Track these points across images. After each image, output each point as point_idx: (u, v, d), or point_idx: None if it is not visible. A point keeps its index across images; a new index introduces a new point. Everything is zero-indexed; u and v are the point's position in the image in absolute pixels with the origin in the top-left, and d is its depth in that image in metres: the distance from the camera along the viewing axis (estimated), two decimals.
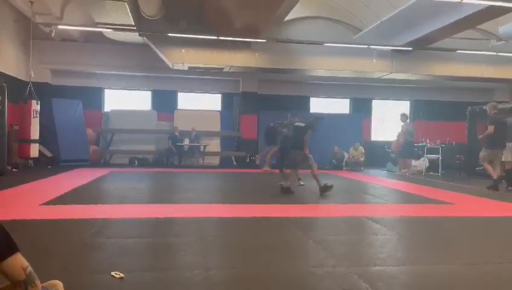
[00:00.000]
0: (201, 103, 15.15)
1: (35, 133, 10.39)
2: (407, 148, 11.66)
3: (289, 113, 9.13)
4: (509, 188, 8.56)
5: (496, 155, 8.45)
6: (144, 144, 13.66)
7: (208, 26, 11.47)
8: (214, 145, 13.94)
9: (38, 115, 10.45)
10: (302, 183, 8.45)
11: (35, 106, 10.32)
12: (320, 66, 13.01)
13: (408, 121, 11.99)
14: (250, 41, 11.79)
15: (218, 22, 11.18)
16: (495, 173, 8.35)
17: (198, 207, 5.83)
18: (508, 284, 2.98)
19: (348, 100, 16.19)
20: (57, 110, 12.47)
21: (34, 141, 10.45)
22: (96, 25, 11.35)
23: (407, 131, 11.58)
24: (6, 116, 9.31)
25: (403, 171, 11.83)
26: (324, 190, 7.18)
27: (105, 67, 13.54)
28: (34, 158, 10.90)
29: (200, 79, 14.62)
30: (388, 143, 13.18)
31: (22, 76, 11.68)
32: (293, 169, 7.72)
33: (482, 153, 8.60)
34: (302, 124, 7.47)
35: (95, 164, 12.67)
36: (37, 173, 9.62)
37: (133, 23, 10.71)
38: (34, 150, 10.50)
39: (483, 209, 6.35)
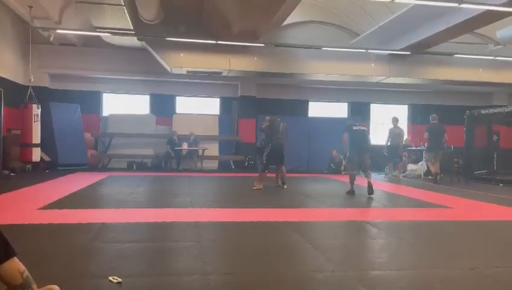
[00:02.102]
0: (199, 107, 15.15)
1: (36, 137, 10.36)
2: (389, 151, 12.10)
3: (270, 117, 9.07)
4: None
5: (433, 156, 10.74)
6: (142, 148, 13.62)
7: (207, 31, 11.50)
8: (213, 149, 13.92)
9: (39, 119, 10.45)
10: (285, 186, 8.63)
11: (36, 110, 10.31)
12: (319, 71, 13.04)
13: (397, 124, 12.12)
14: (248, 46, 11.81)
15: (216, 27, 11.20)
16: (434, 169, 10.76)
17: (197, 211, 5.82)
18: (507, 289, 2.97)
19: (346, 104, 16.20)
20: (55, 114, 12.44)
21: (36, 145, 10.42)
22: (94, 29, 11.35)
23: (392, 134, 11.99)
24: (2, 120, 9.29)
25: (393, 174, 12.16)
26: (372, 191, 7.54)
27: (103, 71, 13.53)
28: (32, 162, 10.87)
29: (199, 83, 14.63)
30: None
31: (20, 80, 11.66)
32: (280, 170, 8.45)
33: (425, 155, 11.24)
34: (365, 128, 8.02)
35: (93, 168, 12.63)
36: (35, 177, 9.59)
37: (132, 28, 10.72)
38: (36, 154, 10.46)
39: (482, 214, 6.34)
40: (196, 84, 14.65)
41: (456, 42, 11.87)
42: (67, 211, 5.57)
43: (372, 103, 16.18)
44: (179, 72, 12.66)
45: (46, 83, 13.13)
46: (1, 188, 7.38)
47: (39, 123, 10.43)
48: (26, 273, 1.89)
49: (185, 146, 13.18)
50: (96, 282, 2.85)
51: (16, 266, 1.87)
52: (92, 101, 14.10)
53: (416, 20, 10.26)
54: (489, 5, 8.15)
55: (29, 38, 10.74)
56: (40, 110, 10.46)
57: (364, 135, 7.92)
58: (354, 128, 7.80)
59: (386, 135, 12.11)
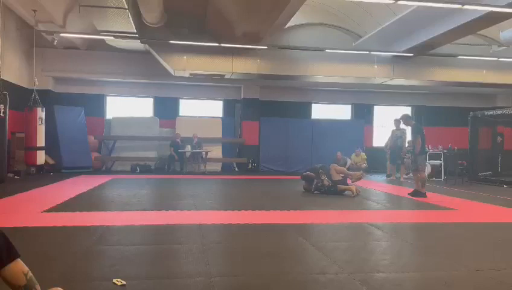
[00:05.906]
0: (203, 110, 15.19)
1: (41, 140, 10.41)
2: (391, 153, 12.14)
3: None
4: None
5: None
6: (145, 151, 13.67)
7: (210, 33, 11.53)
8: (216, 151, 13.94)
9: (43, 123, 10.49)
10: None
11: (41, 113, 10.36)
12: (322, 72, 13.04)
13: (400, 126, 11.98)
14: (251, 48, 11.83)
15: (219, 29, 11.23)
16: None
17: (200, 214, 5.82)
18: None
19: (349, 106, 16.19)
20: (59, 117, 12.51)
21: (40, 149, 10.47)
22: (98, 32, 11.41)
23: (394, 136, 12.01)
24: (7, 124, 9.35)
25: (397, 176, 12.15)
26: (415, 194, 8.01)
27: (107, 74, 13.59)
28: (36, 165, 10.91)
29: (202, 86, 14.66)
30: None
31: (24, 84, 11.72)
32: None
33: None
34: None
35: (96, 171, 12.67)
36: (39, 180, 9.63)
37: (135, 31, 10.76)
38: (40, 157, 10.52)
39: (487, 215, 6.31)
40: (199, 86, 14.68)
41: (460, 44, 11.85)
42: (71, 213, 5.59)
43: (376, 104, 16.17)
44: (182, 74, 12.69)
45: (50, 86, 13.20)
46: (5, 191, 7.41)
47: (43, 126, 10.49)
48: (30, 274, 1.90)
49: (188, 148, 13.20)
50: (100, 284, 2.85)
51: (19, 267, 1.88)
52: (96, 104, 14.16)
53: (419, 22, 10.24)
54: (493, 6, 8.13)
55: (34, 42, 10.80)
56: (44, 113, 10.51)
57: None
58: (423, 132, 8.21)
59: (389, 136, 12.09)
